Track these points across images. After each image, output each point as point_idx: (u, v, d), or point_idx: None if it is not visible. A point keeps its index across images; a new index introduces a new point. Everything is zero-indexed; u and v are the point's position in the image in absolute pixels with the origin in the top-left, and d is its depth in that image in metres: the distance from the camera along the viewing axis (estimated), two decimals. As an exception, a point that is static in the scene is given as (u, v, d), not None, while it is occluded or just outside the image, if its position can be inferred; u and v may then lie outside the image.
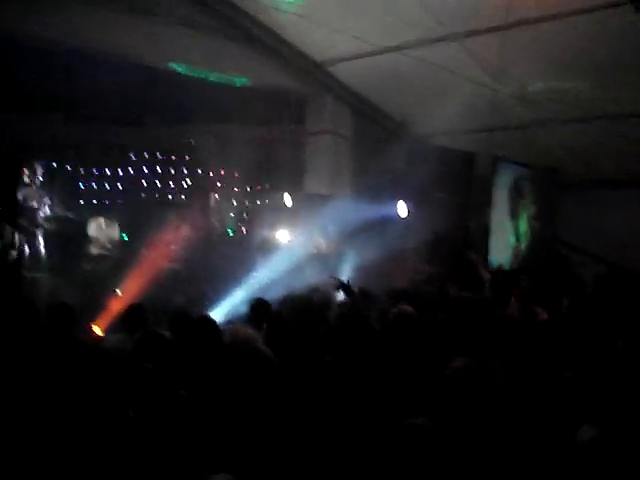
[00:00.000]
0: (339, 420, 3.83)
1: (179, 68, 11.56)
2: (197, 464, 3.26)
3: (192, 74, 11.91)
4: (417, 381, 4.61)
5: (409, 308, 5.85)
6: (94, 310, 8.75)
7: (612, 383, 4.52)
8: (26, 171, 10.46)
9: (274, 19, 11.66)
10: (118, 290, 10.33)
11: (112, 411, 3.37)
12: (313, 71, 13.08)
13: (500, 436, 3.60)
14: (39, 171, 10.98)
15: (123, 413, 3.35)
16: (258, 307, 6.55)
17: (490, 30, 10.23)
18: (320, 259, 12.19)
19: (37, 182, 10.96)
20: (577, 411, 4.00)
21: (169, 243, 13.02)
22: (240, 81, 12.46)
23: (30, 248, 10.67)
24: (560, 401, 4.02)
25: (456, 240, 12.60)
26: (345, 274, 10.21)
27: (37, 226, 10.83)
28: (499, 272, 10.34)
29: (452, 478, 3.25)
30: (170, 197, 14.32)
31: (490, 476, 3.34)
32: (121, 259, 12.11)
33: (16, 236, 9.36)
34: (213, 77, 12.15)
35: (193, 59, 11.53)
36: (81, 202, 13.29)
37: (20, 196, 10.42)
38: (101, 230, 12.54)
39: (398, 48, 11.30)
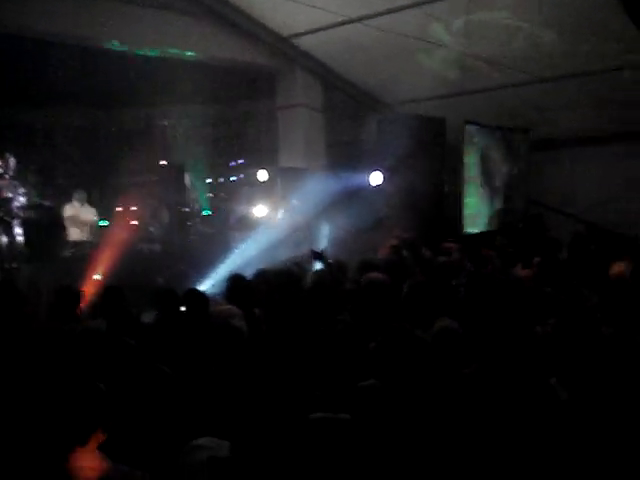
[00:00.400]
0: (313, 389, 3.94)
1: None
2: (178, 435, 3.34)
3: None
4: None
5: (379, 275, 5.94)
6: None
7: (584, 338, 4.63)
8: (-1, 162, 10.44)
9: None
10: (97, 275, 10.34)
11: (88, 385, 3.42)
12: (280, 45, 13.12)
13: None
14: (11, 161, 10.94)
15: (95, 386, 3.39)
16: (235, 282, 6.58)
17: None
18: (297, 232, 12.26)
19: (10, 172, 10.92)
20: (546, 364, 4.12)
21: (145, 224, 13.05)
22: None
23: (7, 238, 10.65)
24: (531, 355, 4.11)
25: (430, 206, 12.70)
26: (322, 245, 10.32)
27: (13, 216, 10.80)
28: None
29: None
30: (144, 178, 14.26)
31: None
32: (98, 243, 12.10)
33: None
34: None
35: (156, 38, 11.51)
36: (55, 188, 13.18)
37: (-6, 188, 10.42)
38: (77, 214, 12.52)
39: (363, 18, 11.33)
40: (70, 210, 12.41)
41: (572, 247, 9.25)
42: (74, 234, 12.44)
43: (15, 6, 9.69)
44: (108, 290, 6.60)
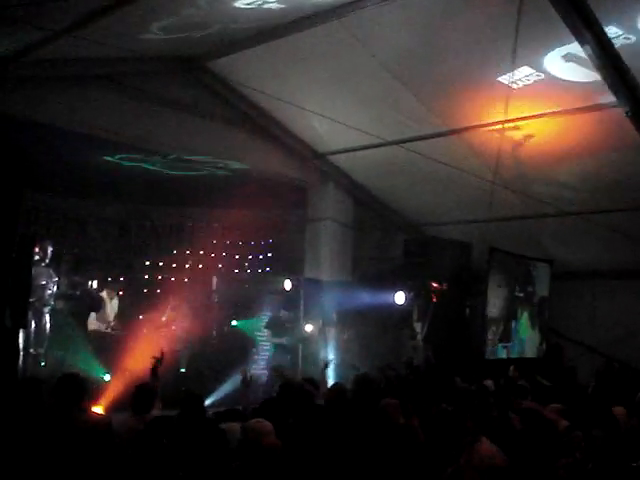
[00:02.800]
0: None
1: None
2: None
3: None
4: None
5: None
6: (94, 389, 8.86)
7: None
8: (37, 249, 10.67)
9: (279, 110, 12.10)
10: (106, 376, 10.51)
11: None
12: (315, 160, 13.52)
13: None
14: (49, 249, 11.20)
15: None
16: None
17: (489, 125, 10.67)
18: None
19: (46, 260, 11.17)
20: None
21: (169, 324, 13.18)
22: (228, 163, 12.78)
23: (36, 324, 10.82)
24: None
25: (453, 329, 12.81)
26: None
27: (44, 304, 10.99)
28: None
29: None
30: (172, 278, 14.51)
31: None
32: (122, 336, 12.25)
33: (27, 315, 9.47)
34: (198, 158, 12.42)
35: (198, 146, 11.90)
36: (85, 278, 13.44)
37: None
38: (106, 305, 12.72)
39: (399, 142, 11.69)
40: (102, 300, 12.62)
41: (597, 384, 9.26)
42: (93, 325, 12.57)
43: (69, 100, 10.13)
44: (141, 389, 6.72)
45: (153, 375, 7.50)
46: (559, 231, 13.28)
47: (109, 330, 12.68)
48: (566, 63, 8.95)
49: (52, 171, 11.70)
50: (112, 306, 12.85)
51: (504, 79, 9.29)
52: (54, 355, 11.14)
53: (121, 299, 13.35)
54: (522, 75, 9.30)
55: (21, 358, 10.19)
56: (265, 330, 14.11)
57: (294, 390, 7.28)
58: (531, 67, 9.19)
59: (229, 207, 14.85)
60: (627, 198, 11.52)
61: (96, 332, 12.48)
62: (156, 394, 6.92)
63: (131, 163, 12.25)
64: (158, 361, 7.47)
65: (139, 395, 6.69)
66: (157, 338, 12.06)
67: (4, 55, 8.69)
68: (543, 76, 9.31)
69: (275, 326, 13.60)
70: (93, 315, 12.57)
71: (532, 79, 9.39)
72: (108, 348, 11.65)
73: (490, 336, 12.87)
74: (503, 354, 13.30)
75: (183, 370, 12.15)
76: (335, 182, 14.06)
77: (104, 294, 12.81)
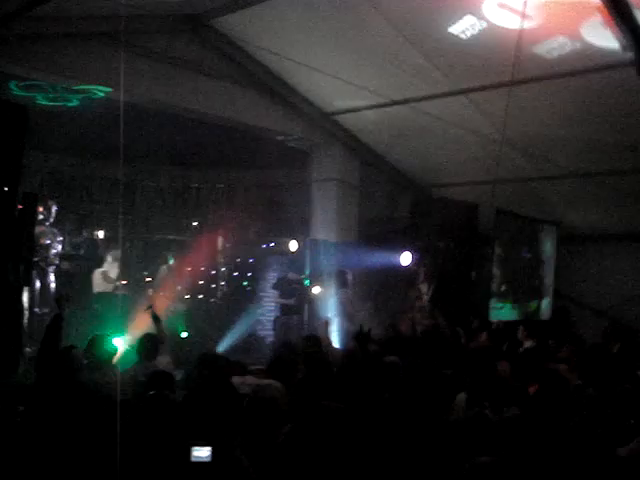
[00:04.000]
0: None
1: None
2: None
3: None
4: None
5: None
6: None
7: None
8: (41, 208, 10.65)
9: (286, 69, 11.98)
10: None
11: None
12: (321, 120, 13.39)
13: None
14: (53, 208, 11.19)
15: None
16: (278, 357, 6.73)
17: (497, 86, 10.52)
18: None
19: (50, 219, 11.16)
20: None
21: (175, 282, 13.20)
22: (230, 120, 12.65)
23: (41, 284, 10.83)
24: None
25: (458, 290, 12.78)
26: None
27: (48, 264, 10.99)
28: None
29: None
30: (177, 238, 14.52)
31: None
32: (126, 297, 12.31)
33: (30, 273, 9.46)
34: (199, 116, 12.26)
35: (203, 105, 11.79)
36: (90, 238, 13.45)
37: (35, 233, 10.60)
38: (108, 270, 12.70)
39: (406, 101, 11.59)
40: (105, 265, 12.60)
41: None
42: (99, 287, 12.59)
43: (73, 58, 10.04)
44: (146, 337, 6.82)
45: (155, 321, 7.64)
46: (567, 193, 13.20)
47: (114, 290, 12.68)
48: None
49: (56, 131, 11.65)
50: (116, 266, 12.83)
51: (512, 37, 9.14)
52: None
53: (126, 259, 13.34)
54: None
55: (26, 317, 10.27)
56: (272, 291, 14.15)
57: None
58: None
59: (234, 168, 14.81)
60: (636, 160, 11.39)
61: (102, 293, 12.50)
62: (161, 340, 7.01)
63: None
64: (149, 307, 7.67)
65: (143, 342, 6.82)
66: (161, 298, 12.11)
67: (7, 12, 8.58)
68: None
69: (282, 287, 13.61)
70: (98, 276, 12.57)
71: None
72: (114, 308, 11.67)
73: (497, 297, 12.87)
74: (513, 316, 13.30)
75: (186, 334, 12.12)
76: (341, 142, 13.93)
77: (109, 254, 12.79)
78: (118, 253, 12.90)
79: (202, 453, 3.48)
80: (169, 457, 3.62)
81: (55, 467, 4.06)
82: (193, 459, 3.47)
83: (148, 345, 6.87)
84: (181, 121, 12.18)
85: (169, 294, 12.63)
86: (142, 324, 9.61)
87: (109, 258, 12.75)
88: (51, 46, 9.78)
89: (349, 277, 13.05)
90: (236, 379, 5.76)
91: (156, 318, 7.79)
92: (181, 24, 11.10)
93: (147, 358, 6.68)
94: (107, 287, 12.63)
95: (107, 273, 12.59)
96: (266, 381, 5.27)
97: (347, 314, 12.15)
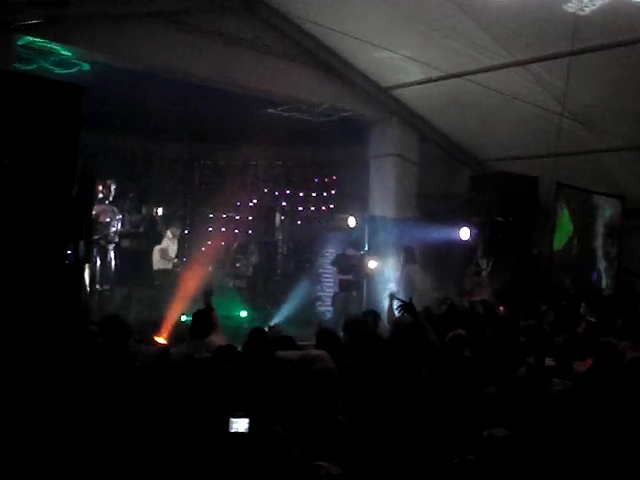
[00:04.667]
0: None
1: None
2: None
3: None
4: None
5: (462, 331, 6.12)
6: (160, 322, 9.01)
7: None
8: (100, 187, 10.85)
9: (342, 44, 11.90)
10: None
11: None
12: (379, 96, 13.28)
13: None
14: (112, 187, 11.38)
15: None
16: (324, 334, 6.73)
17: (556, 56, 10.28)
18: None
19: (110, 198, 11.36)
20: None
21: (233, 259, 13.31)
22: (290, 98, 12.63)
23: (102, 262, 11.05)
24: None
25: (520, 265, 12.60)
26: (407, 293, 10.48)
27: (109, 241, 11.20)
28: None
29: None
30: (236, 216, 14.63)
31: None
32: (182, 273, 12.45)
33: (91, 251, 9.67)
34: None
35: (260, 82, 11.81)
36: (149, 216, 13.62)
37: (94, 212, 10.79)
38: (167, 247, 12.87)
39: (463, 74, 11.42)
40: (164, 242, 12.76)
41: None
42: (158, 264, 12.76)
43: (127, 38, 10.15)
44: (199, 314, 6.90)
45: (206, 300, 7.70)
46: (631, 165, 12.85)
47: (172, 267, 12.84)
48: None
49: (115, 110, 11.80)
50: (175, 243, 12.99)
51: (571, 6, 8.92)
52: (120, 291, 11.37)
53: (185, 237, 13.52)
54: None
55: (88, 294, 10.49)
56: (330, 267, 14.18)
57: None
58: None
59: (292, 145, 14.82)
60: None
61: (161, 270, 12.67)
62: (213, 321, 7.06)
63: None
64: (208, 292, 7.73)
65: (195, 319, 6.90)
66: (220, 275, 12.25)
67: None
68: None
69: (341, 263, 13.62)
70: (157, 254, 12.75)
71: (599, 3, 8.95)
72: (173, 285, 11.83)
73: (559, 272, 12.65)
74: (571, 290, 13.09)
75: (245, 312, 12.19)
76: (399, 117, 13.81)
77: (168, 232, 12.95)
78: (177, 230, 13.05)
79: (240, 425, 3.51)
80: (209, 427, 3.66)
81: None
82: (231, 430, 3.50)
83: (199, 323, 6.91)
84: (237, 100, 12.23)
85: (227, 271, 12.76)
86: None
87: (169, 235, 12.90)
88: (107, 27, 9.90)
89: (416, 252, 13.00)
90: (281, 353, 5.74)
91: (208, 297, 7.84)
92: (236, 2, 11.12)
93: (198, 336, 6.71)
94: (166, 264, 12.81)
95: (166, 250, 12.75)
96: (315, 352, 5.26)
97: (415, 289, 12.11)
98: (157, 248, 12.69)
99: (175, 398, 4.30)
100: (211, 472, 3.52)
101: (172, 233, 12.90)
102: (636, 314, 9.50)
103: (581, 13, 8.87)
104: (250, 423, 3.51)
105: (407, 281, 12.43)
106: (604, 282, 13.81)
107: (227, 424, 3.53)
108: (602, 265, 13.78)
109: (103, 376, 4.85)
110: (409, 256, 12.82)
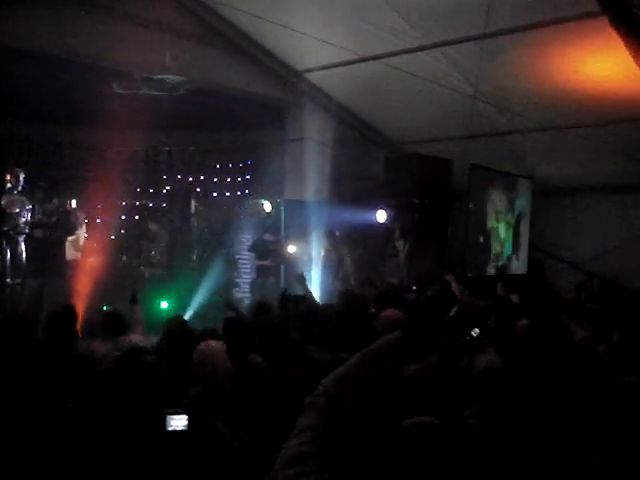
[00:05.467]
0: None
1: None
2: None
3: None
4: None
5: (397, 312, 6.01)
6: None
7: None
8: (8, 177, 10.49)
9: (255, 28, 11.77)
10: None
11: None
12: (292, 78, 13.21)
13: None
14: (21, 176, 11.01)
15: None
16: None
17: (469, 39, 10.39)
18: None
19: (19, 187, 10.99)
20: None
21: (148, 248, 13.06)
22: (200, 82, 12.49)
23: (12, 253, 10.69)
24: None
25: (434, 247, 12.75)
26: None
27: (18, 232, 10.84)
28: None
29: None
30: (150, 203, 14.35)
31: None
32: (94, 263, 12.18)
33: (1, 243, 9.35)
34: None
35: (172, 65, 11.58)
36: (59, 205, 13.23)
37: (3, 202, 10.43)
38: (79, 238, 12.55)
39: (377, 57, 11.43)
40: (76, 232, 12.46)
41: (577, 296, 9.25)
42: (70, 254, 12.43)
43: (39, 22, 9.76)
44: (110, 314, 6.73)
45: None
46: (541, 147, 13.12)
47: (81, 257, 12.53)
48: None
49: (21, 97, 11.38)
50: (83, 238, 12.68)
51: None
52: (32, 284, 11.02)
53: (96, 225, 13.19)
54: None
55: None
56: (247, 253, 14.08)
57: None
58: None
59: (206, 129, 14.61)
60: (610, 111, 11.33)
61: (73, 261, 12.35)
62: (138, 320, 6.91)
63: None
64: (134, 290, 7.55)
65: (108, 319, 6.71)
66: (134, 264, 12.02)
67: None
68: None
69: (259, 249, 13.54)
70: (69, 244, 12.41)
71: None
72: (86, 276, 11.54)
73: (474, 253, 12.87)
74: (490, 271, 13.33)
75: (166, 303, 11.99)
76: (313, 101, 13.76)
77: (79, 220, 12.61)
78: (84, 218, 12.73)
79: (178, 422, 3.40)
80: (145, 426, 3.54)
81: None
82: (169, 428, 3.39)
83: (112, 321, 6.70)
84: (148, 84, 11.95)
85: (143, 260, 12.52)
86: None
87: (82, 226, 12.59)
88: (15, 9, 9.51)
89: (337, 235, 13.04)
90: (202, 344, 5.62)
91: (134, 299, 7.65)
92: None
93: (114, 334, 6.50)
94: (77, 255, 12.48)
95: (77, 241, 12.43)
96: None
97: (333, 272, 12.17)
98: (69, 239, 12.35)
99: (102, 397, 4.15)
100: (149, 474, 3.40)
101: (82, 220, 12.58)
102: (545, 292, 9.73)
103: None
104: (189, 419, 3.40)
105: (328, 263, 12.45)
106: (516, 262, 14.13)
107: (163, 422, 3.42)
108: (514, 244, 14.10)
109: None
110: (330, 239, 12.84)
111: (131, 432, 3.52)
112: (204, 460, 3.38)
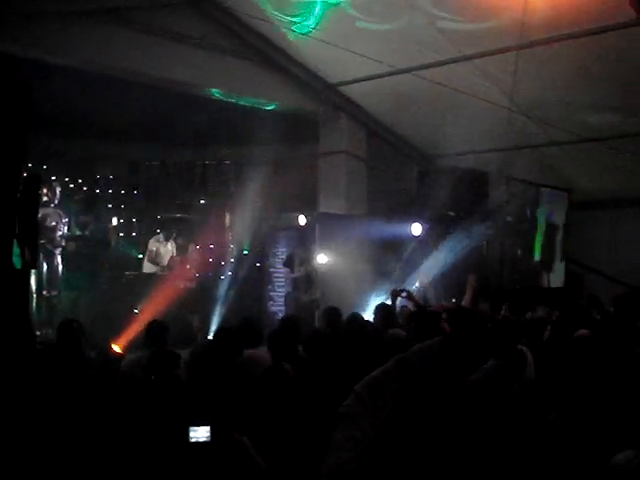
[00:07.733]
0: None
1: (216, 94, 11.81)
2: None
3: (227, 99, 12.20)
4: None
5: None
6: (113, 328, 8.78)
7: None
8: (45, 190, 10.59)
9: (289, 41, 11.81)
10: (136, 309, 10.40)
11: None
12: (327, 92, 13.21)
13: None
14: (57, 190, 11.12)
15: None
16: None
17: (503, 51, 10.32)
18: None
19: (55, 201, 11.10)
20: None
21: (184, 262, 13.06)
22: (269, 105, 12.72)
23: (48, 266, 10.78)
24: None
25: (471, 260, 12.61)
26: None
27: (55, 245, 10.94)
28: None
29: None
30: (185, 215, 14.40)
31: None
32: (138, 277, 12.27)
33: (37, 256, 9.40)
34: (244, 101, 12.52)
35: (216, 82, 11.72)
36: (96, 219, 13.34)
37: (39, 215, 10.51)
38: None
39: (412, 69, 11.40)
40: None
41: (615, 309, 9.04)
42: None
43: (75, 37, 9.91)
44: (153, 324, 6.69)
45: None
46: (578, 158, 12.99)
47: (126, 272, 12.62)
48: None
49: (58, 112, 11.52)
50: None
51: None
52: (68, 296, 11.12)
53: (135, 239, 13.28)
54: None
55: (35, 300, 10.23)
56: (281, 267, 14.04)
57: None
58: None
59: (240, 144, 14.65)
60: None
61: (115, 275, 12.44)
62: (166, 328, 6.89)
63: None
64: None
65: (149, 330, 6.69)
66: (173, 277, 12.04)
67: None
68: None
69: (292, 262, 13.50)
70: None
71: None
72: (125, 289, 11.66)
73: (510, 266, 12.74)
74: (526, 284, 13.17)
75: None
76: (347, 114, 13.75)
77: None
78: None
79: (200, 433, 3.37)
80: (168, 438, 3.52)
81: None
82: (191, 439, 3.36)
83: (154, 332, 6.67)
84: (183, 98, 12.06)
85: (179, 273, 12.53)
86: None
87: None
88: (50, 25, 9.63)
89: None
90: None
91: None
92: (182, -1, 10.95)
93: (151, 345, 6.47)
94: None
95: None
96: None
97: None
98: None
99: (126, 407, 4.15)
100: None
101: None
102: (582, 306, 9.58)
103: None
104: (211, 431, 3.37)
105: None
106: (552, 275, 13.96)
107: (186, 434, 3.39)
108: (550, 256, 13.94)
109: (54, 385, 4.70)
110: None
111: (154, 443, 3.51)
112: (226, 473, 3.35)
